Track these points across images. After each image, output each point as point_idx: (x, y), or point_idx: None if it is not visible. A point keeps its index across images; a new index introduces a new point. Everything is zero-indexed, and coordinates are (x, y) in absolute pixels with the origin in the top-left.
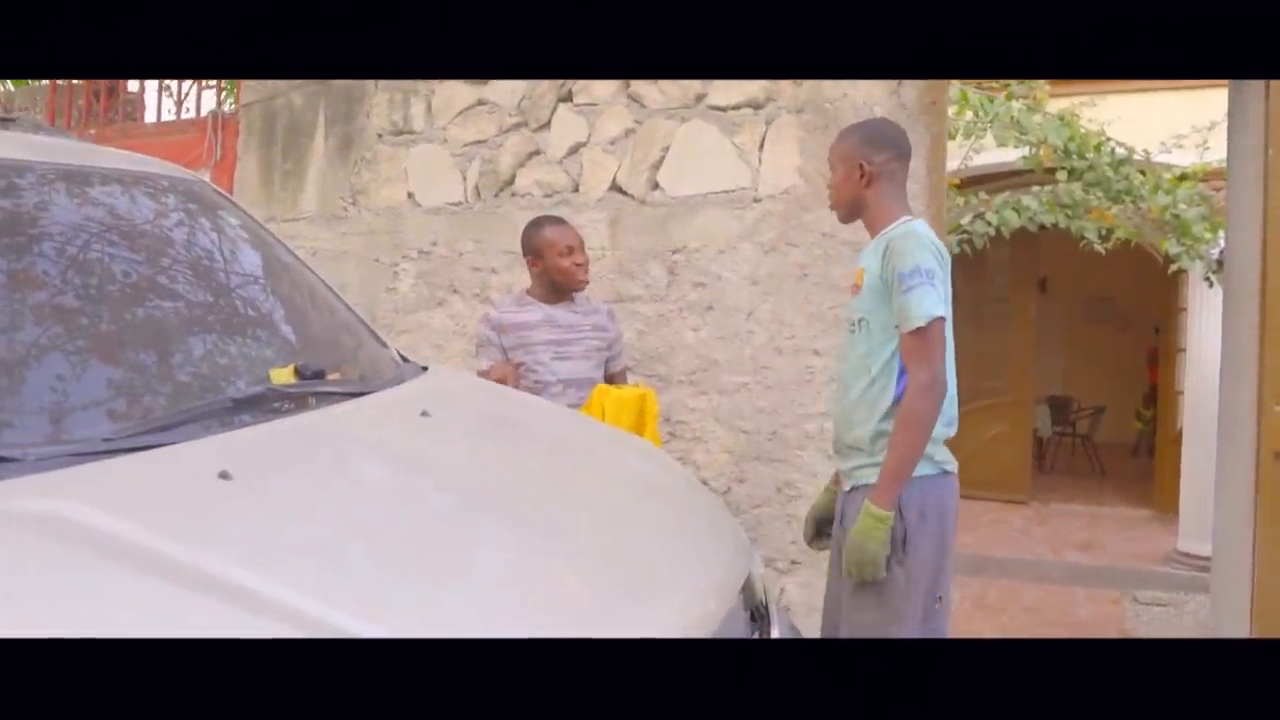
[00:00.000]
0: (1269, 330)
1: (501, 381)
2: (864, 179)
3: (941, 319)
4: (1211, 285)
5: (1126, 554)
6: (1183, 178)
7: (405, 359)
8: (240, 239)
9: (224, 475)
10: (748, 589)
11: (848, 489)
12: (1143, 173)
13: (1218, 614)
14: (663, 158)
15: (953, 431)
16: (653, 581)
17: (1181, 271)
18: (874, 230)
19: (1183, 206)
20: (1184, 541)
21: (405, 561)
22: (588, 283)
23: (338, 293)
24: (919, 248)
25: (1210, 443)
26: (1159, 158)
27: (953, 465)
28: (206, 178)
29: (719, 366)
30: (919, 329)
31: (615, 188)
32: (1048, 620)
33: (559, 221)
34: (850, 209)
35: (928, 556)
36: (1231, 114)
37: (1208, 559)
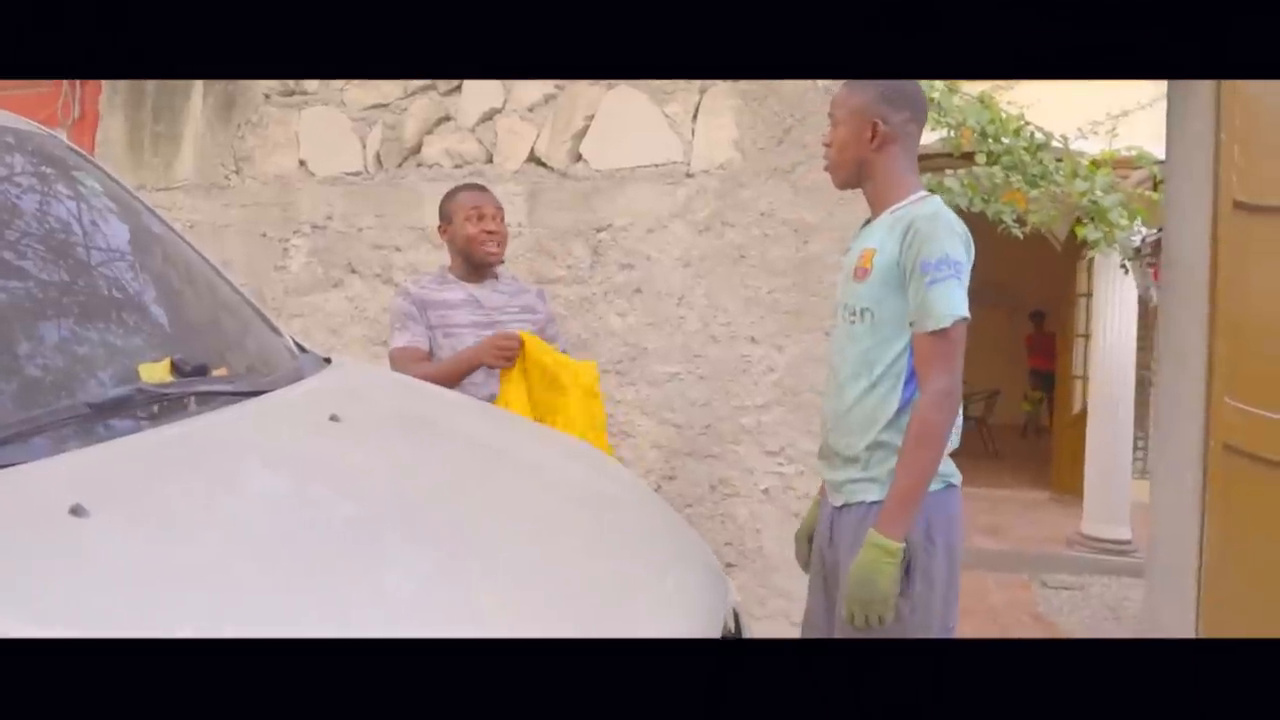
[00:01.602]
0: (1219, 322)
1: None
2: (875, 140)
3: (965, 320)
4: (1127, 272)
5: (1031, 538)
6: (1094, 164)
7: (303, 349)
8: (103, 207)
9: (76, 511)
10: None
11: (839, 504)
12: (1059, 160)
13: (1156, 607)
14: (586, 127)
15: (958, 442)
16: (607, 618)
17: (1088, 257)
18: (879, 203)
19: (1099, 193)
20: (1088, 524)
21: (310, 625)
22: (498, 256)
23: (222, 271)
24: (949, 234)
25: (1116, 427)
26: (1074, 144)
27: (957, 478)
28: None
29: (648, 355)
30: (941, 330)
31: (534, 159)
32: (965, 608)
33: (477, 187)
34: (852, 174)
35: (939, 583)
36: (1172, 100)
37: (1112, 541)
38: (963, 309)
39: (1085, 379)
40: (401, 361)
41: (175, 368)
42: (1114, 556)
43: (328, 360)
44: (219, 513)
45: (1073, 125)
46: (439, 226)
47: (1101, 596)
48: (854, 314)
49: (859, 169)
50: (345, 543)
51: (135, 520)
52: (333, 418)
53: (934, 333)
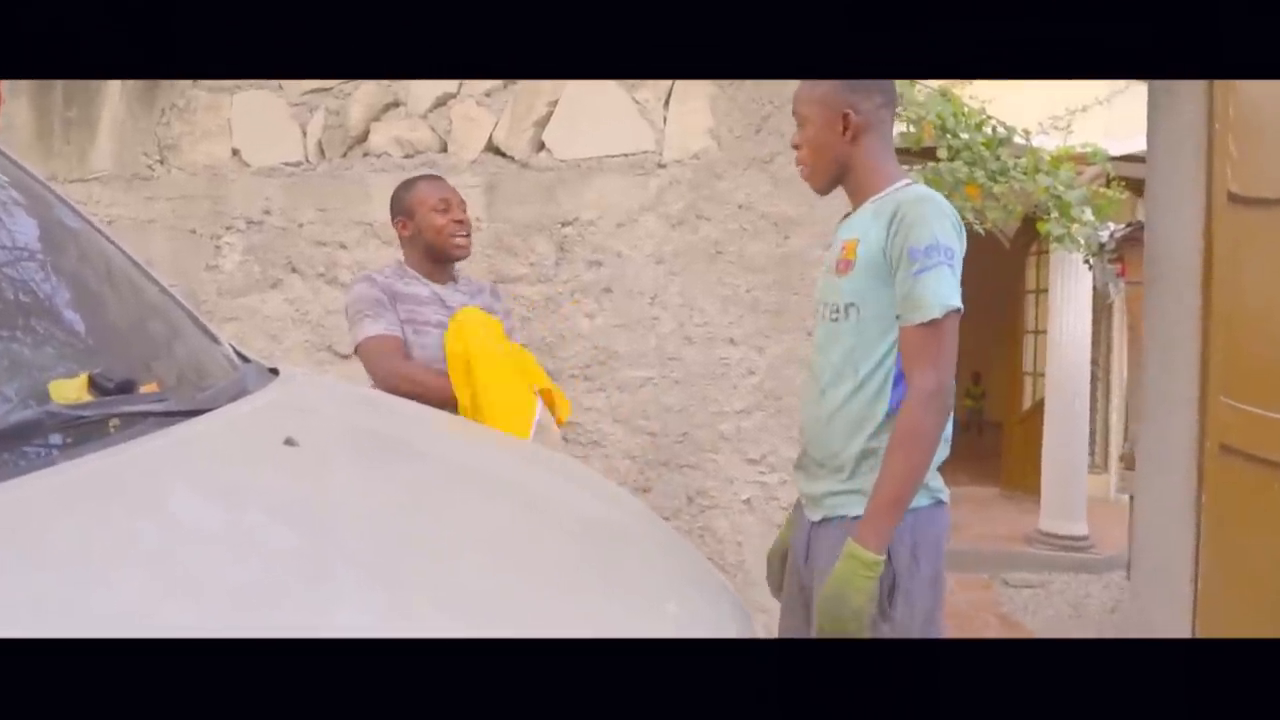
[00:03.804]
0: (1213, 318)
1: None
2: (848, 132)
3: (958, 311)
4: (1090, 268)
5: (988, 535)
6: (1055, 160)
7: (245, 358)
8: (7, 198)
9: None
10: None
11: (817, 519)
12: (1019, 156)
13: (1145, 609)
14: (550, 114)
15: (948, 452)
16: None
17: (1043, 253)
18: (859, 195)
19: (1062, 188)
20: (1046, 521)
21: None
22: (468, 249)
23: (148, 270)
24: (939, 218)
25: (1072, 423)
26: (1034, 140)
27: (946, 494)
28: None
29: (619, 359)
30: (931, 321)
31: (492, 148)
32: None
33: (434, 178)
34: (831, 173)
35: (922, 606)
36: (1154, 91)
37: (1070, 538)
38: (954, 299)
39: (1035, 375)
40: (378, 354)
41: (94, 384)
42: (1073, 553)
43: (274, 371)
44: (162, 573)
45: (1031, 120)
46: (398, 222)
47: (1063, 594)
48: (836, 311)
49: (837, 165)
50: (333, 613)
51: (56, 584)
52: (288, 441)
53: (922, 325)
